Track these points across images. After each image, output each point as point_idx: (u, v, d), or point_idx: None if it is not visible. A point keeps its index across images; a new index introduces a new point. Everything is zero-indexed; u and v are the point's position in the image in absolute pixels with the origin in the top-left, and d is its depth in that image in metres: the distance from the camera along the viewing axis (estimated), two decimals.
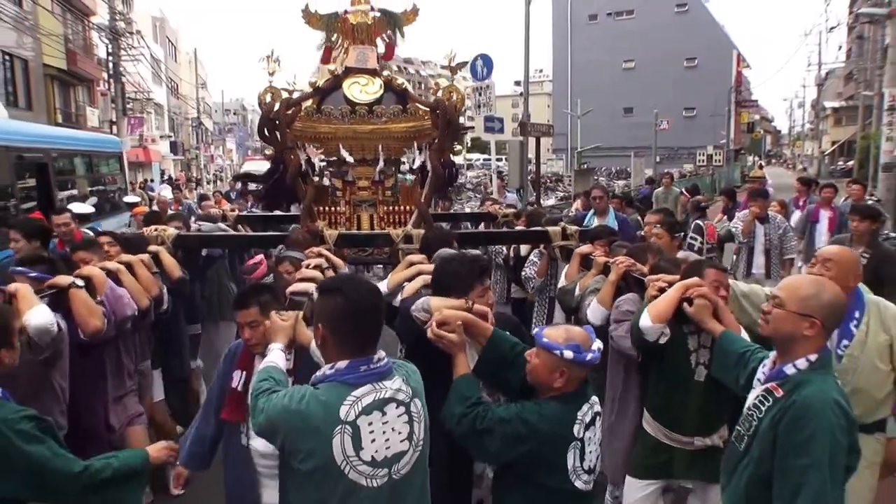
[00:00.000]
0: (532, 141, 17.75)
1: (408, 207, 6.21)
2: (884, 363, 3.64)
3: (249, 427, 2.90)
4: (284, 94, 5.77)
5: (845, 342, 3.61)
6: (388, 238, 5.66)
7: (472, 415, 2.72)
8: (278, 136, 5.73)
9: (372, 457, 2.36)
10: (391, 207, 6.20)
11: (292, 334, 2.94)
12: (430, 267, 3.86)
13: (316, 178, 6.32)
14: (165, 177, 41.46)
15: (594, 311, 4.24)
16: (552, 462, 2.69)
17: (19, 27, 24.52)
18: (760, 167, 27.74)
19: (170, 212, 12.17)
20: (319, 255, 4.57)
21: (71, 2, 29.53)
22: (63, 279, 3.85)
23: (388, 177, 6.22)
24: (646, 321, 3.45)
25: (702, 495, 3.72)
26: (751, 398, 2.81)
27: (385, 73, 6.25)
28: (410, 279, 3.88)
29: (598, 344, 2.73)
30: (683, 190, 13.96)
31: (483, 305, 3.25)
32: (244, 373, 3.26)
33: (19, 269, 3.99)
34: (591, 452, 2.76)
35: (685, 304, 3.41)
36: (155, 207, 12.23)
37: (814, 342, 2.64)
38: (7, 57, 24.85)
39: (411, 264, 4.14)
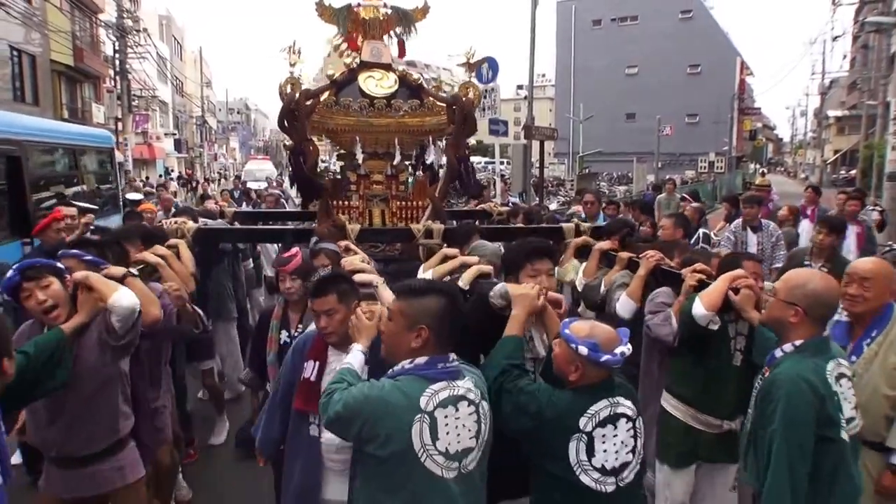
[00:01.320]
0: (535, 145, 17.80)
1: (420, 203, 6.28)
2: (890, 388, 3.46)
3: (320, 418, 2.95)
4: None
5: (854, 358, 3.51)
6: (409, 233, 5.75)
7: (506, 373, 2.83)
8: (297, 127, 5.77)
9: (446, 448, 2.51)
10: (404, 202, 6.26)
11: (375, 333, 2.93)
12: (475, 259, 4.07)
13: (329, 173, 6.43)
14: (174, 174, 41.50)
15: (624, 304, 4.33)
16: (553, 449, 2.74)
17: (27, 23, 24.58)
18: (762, 175, 27.80)
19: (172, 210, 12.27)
20: (348, 248, 4.65)
21: None
22: (118, 269, 3.69)
23: (401, 171, 6.29)
24: (699, 309, 3.58)
25: (711, 474, 3.91)
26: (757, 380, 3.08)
27: (400, 67, 6.36)
28: (454, 271, 4.10)
29: (622, 348, 2.72)
30: (685, 195, 13.96)
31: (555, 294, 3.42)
32: (317, 363, 3.26)
33: (73, 251, 3.86)
34: (605, 451, 2.71)
35: (731, 293, 3.58)
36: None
37: (801, 328, 2.89)
38: (15, 52, 24.89)
39: (446, 257, 4.41)
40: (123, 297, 3.27)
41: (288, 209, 12.35)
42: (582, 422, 2.70)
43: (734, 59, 58.16)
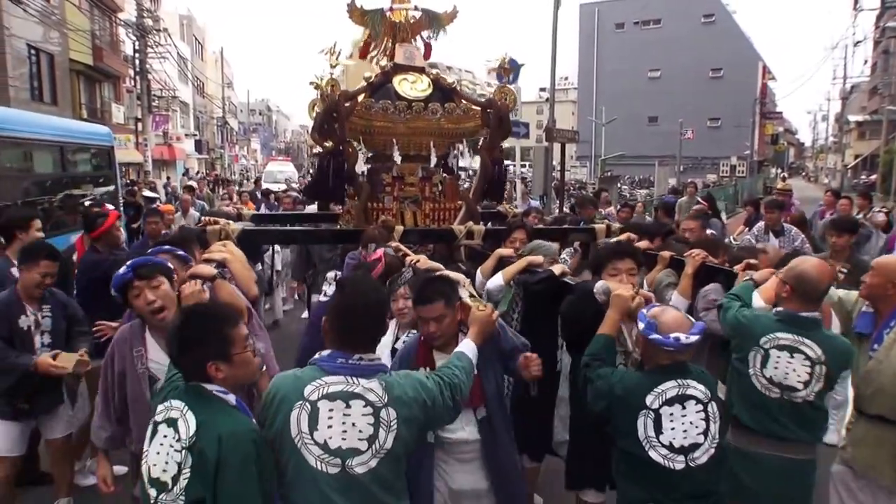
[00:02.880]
0: (557, 147, 17.60)
1: (452, 204, 6.44)
2: None
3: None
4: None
5: (876, 346, 3.74)
6: (451, 233, 5.89)
7: (588, 366, 3.17)
8: (337, 129, 5.88)
9: (325, 441, 2.47)
10: (435, 204, 6.39)
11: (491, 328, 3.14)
12: (540, 258, 4.51)
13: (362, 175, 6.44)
14: (197, 174, 41.62)
15: (677, 302, 4.39)
16: (622, 425, 2.98)
17: (46, 21, 24.55)
18: (783, 179, 27.53)
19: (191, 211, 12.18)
20: (398, 249, 4.82)
21: None
22: (208, 269, 3.62)
23: (433, 174, 6.39)
24: (758, 303, 3.78)
25: None
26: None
27: (434, 71, 6.53)
28: (524, 271, 4.45)
29: (678, 335, 2.90)
30: (699, 199, 13.81)
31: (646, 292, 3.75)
32: (427, 369, 3.14)
33: (166, 247, 3.91)
34: (673, 429, 2.90)
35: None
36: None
37: (787, 302, 3.50)
38: (33, 51, 24.83)
39: (501, 258, 4.77)
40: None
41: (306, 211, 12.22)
42: (649, 399, 2.93)
43: (756, 64, 57.89)
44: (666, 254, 4.98)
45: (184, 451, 2.36)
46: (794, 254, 4.33)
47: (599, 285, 3.63)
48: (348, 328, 2.59)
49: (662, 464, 2.90)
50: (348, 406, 2.48)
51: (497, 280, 4.51)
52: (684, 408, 2.93)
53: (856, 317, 3.91)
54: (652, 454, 2.90)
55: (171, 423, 2.44)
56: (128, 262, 3.41)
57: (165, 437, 2.43)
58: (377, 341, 2.73)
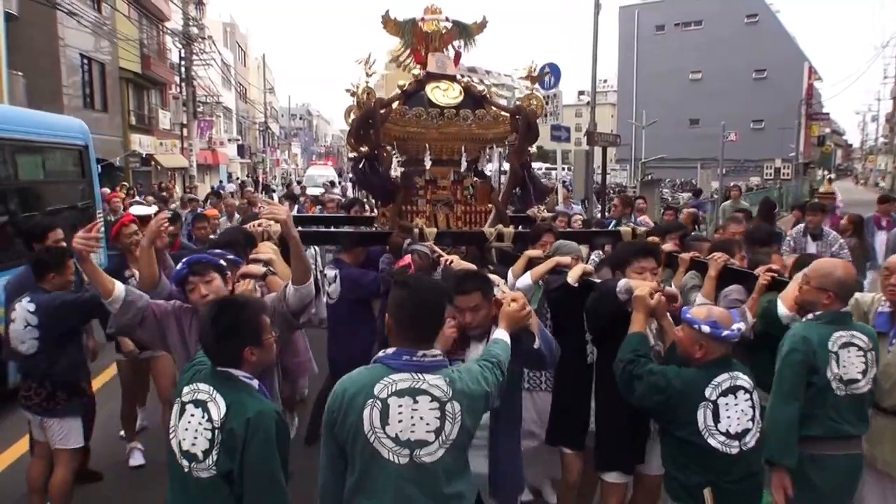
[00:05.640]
0: (597, 151, 17.53)
1: (482, 208, 6.56)
2: None
3: None
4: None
5: (895, 341, 3.91)
6: (482, 236, 6.01)
7: (634, 363, 3.38)
8: (372, 135, 6.05)
9: (396, 434, 2.63)
10: (467, 207, 6.52)
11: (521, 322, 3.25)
12: (567, 259, 4.69)
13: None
14: (237, 180, 42.13)
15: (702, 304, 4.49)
16: (682, 416, 3.24)
17: (98, 32, 25.30)
18: (829, 181, 26.94)
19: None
20: (433, 251, 4.95)
21: (147, 7, 30.43)
22: (257, 268, 3.96)
23: (465, 178, 6.52)
24: (783, 310, 3.99)
25: None
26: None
27: (465, 79, 6.64)
28: (553, 271, 4.65)
29: (738, 324, 3.29)
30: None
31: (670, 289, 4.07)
32: (461, 362, 3.26)
33: (217, 251, 4.08)
34: (729, 418, 3.21)
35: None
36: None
37: (830, 305, 3.68)
38: (86, 60, 25.67)
39: (530, 259, 4.96)
40: (311, 286, 3.63)
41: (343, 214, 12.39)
42: (708, 391, 3.22)
43: (801, 64, 56.67)
44: (686, 256, 5.18)
45: (215, 431, 2.71)
46: (806, 259, 4.46)
47: (622, 283, 3.83)
48: (412, 326, 2.74)
49: (720, 449, 3.20)
50: (416, 401, 2.65)
51: (526, 279, 4.72)
52: (736, 397, 3.24)
53: (873, 316, 4.08)
54: (711, 441, 3.20)
55: (199, 404, 2.78)
56: (184, 259, 3.70)
57: (193, 416, 2.78)
58: (437, 336, 2.89)
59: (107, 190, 15.58)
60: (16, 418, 6.23)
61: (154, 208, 9.34)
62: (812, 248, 8.00)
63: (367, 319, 5.77)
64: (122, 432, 6.27)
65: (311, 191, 24.98)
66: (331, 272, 5.94)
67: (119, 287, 3.52)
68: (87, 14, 23.27)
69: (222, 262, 3.79)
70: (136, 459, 6.02)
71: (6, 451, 6.27)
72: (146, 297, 3.65)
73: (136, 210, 7.42)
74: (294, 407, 6.67)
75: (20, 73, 18.94)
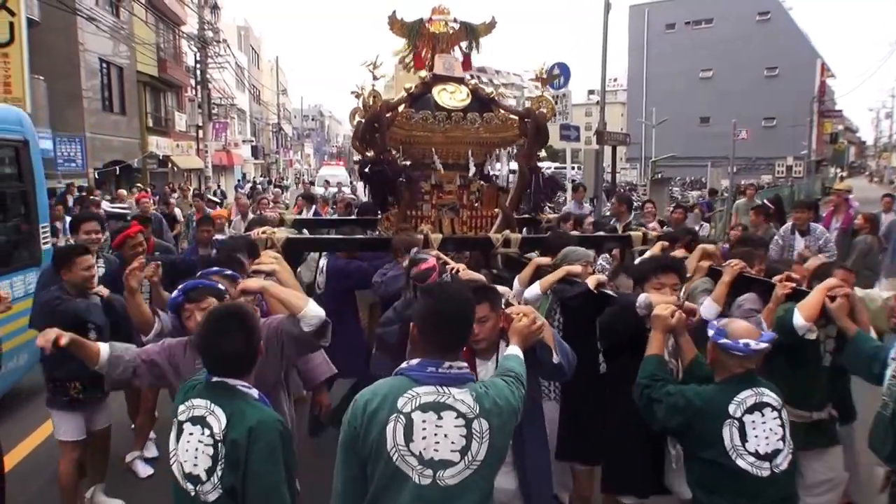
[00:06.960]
0: (607, 150, 17.66)
1: (488, 212, 6.44)
2: None
3: None
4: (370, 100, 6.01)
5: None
6: (488, 242, 5.90)
7: (651, 387, 3.24)
8: (378, 139, 5.97)
9: (420, 452, 2.45)
10: (473, 212, 6.39)
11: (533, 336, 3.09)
12: (578, 269, 4.51)
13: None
14: (248, 183, 42.32)
15: (708, 308, 4.39)
16: (706, 436, 3.07)
17: (116, 36, 25.75)
18: (841, 179, 26.70)
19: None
20: (438, 258, 4.72)
21: (163, 12, 30.84)
22: (255, 282, 3.71)
23: (472, 182, 6.42)
24: (800, 321, 3.78)
25: (806, 459, 4.01)
26: (888, 373, 3.45)
27: (472, 81, 6.54)
28: (562, 280, 4.45)
29: (748, 341, 3.03)
30: (765, 201, 13.44)
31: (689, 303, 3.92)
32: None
33: (214, 269, 3.96)
34: (757, 437, 3.02)
35: (828, 301, 3.82)
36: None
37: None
38: (104, 64, 26.08)
39: (538, 266, 4.84)
40: (313, 307, 3.33)
41: (349, 216, 11.92)
42: (731, 408, 3.03)
43: (814, 61, 56.35)
44: (705, 264, 4.98)
45: (217, 445, 2.59)
46: (826, 268, 4.40)
47: (642, 299, 3.71)
48: (439, 335, 2.58)
49: (751, 471, 3.00)
50: (440, 417, 2.46)
51: (534, 290, 4.55)
52: (763, 415, 3.05)
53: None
54: (740, 462, 3.00)
55: (197, 420, 2.65)
56: (179, 287, 3.57)
57: (192, 434, 2.65)
58: (463, 347, 2.74)
59: (125, 191, 15.69)
60: (30, 410, 6.40)
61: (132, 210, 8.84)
62: (800, 243, 8.10)
63: (352, 311, 5.81)
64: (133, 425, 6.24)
65: (315, 191, 24.98)
66: (321, 262, 5.98)
67: (103, 349, 3.28)
68: (105, 19, 23.73)
69: (220, 285, 3.66)
70: (151, 451, 6.11)
71: (21, 442, 6.23)
72: (133, 348, 3.40)
73: (107, 207, 7.11)
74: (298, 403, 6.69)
75: (41, 77, 19.29)
